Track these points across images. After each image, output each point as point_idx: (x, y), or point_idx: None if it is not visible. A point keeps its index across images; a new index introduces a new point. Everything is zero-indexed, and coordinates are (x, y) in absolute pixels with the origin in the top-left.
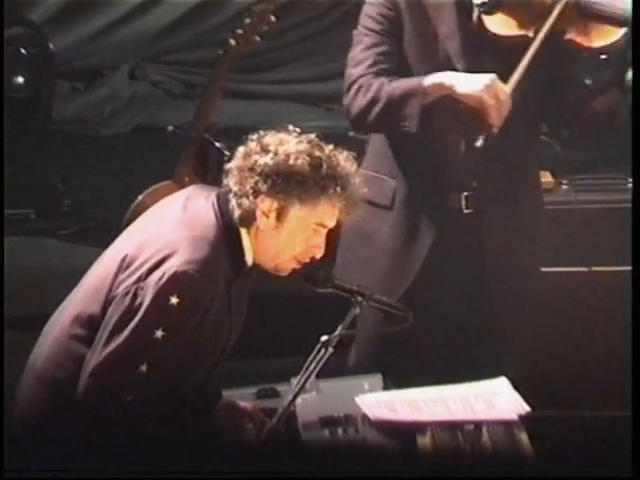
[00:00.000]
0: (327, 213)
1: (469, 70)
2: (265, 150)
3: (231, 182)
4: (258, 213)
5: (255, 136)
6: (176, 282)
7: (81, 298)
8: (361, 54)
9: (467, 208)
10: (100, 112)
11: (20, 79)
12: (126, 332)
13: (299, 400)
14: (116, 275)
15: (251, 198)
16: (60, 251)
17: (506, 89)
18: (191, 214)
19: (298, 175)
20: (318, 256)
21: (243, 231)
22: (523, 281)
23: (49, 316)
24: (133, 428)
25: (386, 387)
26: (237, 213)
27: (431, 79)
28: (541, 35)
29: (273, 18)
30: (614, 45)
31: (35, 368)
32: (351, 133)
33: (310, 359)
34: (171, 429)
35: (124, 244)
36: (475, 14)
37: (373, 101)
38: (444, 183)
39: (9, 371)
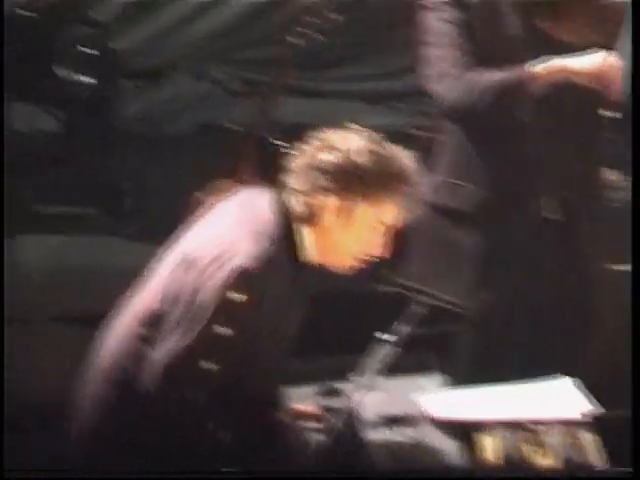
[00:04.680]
0: (390, 211)
1: None
2: (329, 148)
3: (293, 180)
4: (321, 211)
5: (318, 134)
6: (238, 279)
7: (144, 298)
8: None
9: (554, 213)
10: (162, 111)
11: (84, 79)
12: (190, 330)
13: (361, 398)
14: (179, 274)
15: (315, 196)
16: (123, 250)
17: (617, 59)
18: (250, 212)
19: (362, 173)
20: (379, 254)
21: (303, 228)
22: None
23: (111, 315)
24: (196, 427)
25: (447, 385)
26: (299, 211)
27: (539, 64)
28: None
29: (335, 15)
30: None
31: (100, 368)
32: (414, 131)
33: (371, 357)
34: (234, 429)
35: (186, 244)
36: None
37: (473, 90)
38: (533, 186)
39: (74, 367)
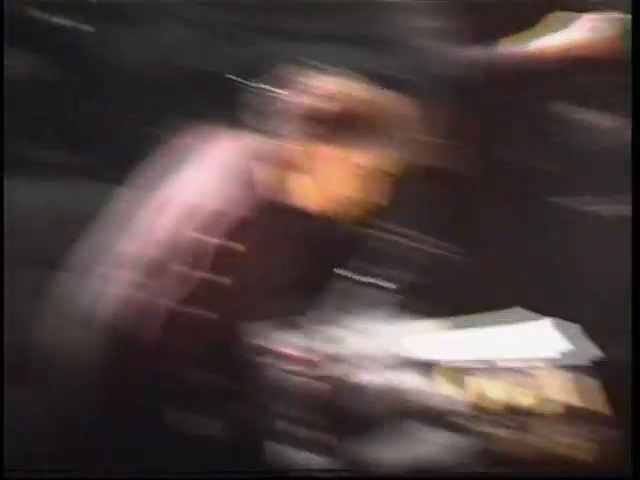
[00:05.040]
0: (384, 157)
1: None
2: (311, 94)
3: (276, 126)
4: (312, 158)
5: (304, 79)
6: (235, 227)
7: (141, 246)
8: None
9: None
10: (145, 55)
11: (78, 25)
12: (189, 279)
13: (346, 341)
14: (174, 222)
15: (300, 143)
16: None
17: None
18: (237, 160)
19: (352, 118)
20: (381, 201)
21: (296, 175)
22: None
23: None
24: (186, 374)
25: (434, 330)
26: (289, 158)
27: None
28: None
29: None
30: None
31: (100, 318)
32: (406, 76)
33: (333, 295)
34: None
35: (177, 190)
36: None
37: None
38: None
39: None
